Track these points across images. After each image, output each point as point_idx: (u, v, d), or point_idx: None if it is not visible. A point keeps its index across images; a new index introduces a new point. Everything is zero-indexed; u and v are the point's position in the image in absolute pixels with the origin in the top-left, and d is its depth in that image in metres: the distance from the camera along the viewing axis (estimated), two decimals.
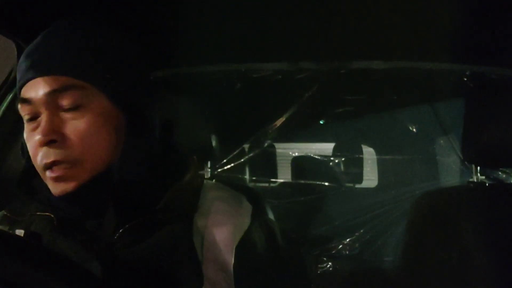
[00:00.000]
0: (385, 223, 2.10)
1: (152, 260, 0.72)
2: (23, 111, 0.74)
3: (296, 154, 2.53)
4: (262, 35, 1.27)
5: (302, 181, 2.34)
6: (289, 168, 2.52)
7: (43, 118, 0.72)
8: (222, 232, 0.76)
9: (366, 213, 2.14)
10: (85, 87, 0.73)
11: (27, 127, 0.75)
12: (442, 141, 2.15)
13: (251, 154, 2.28)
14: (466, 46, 1.29)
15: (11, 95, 1.18)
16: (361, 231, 2.14)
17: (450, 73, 1.57)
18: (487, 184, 1.40)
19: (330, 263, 2.11)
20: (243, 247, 0.77)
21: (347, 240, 2.16)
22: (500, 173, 1.59)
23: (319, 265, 2.12)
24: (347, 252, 2.16)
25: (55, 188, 0.73)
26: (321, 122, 2.33)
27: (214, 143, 1.41)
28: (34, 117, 0.74)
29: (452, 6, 1.08)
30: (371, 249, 2.13)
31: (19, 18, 1.01)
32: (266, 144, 2.29)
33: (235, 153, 2.17)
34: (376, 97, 2.07)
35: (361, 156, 2.42)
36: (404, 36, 1.24)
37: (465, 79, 1.54)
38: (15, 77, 1.17)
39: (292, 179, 2.47)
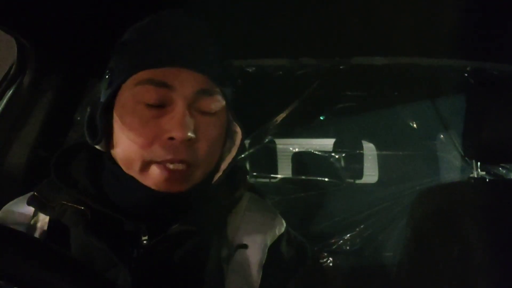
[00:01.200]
0: (385, 218, 2.10)
1: (180, 272, 0.70)
2: (150, 92, 0.68)
3: (297, 149, 2.53)
4: (262, 31, 1.27)
5: (303, 177, 2.34)
6: (290, 163, 2.52)
7: (183, 113, 0.68)
8: (251, 244, 0.75)
9: (367, 209, 2.14)
10: (220, 94, 0.73)
11: (142, 111, 0.69)
12: (442, 137, 2.15)
13: (252, 150, 2.28)
14: (467, 42, 1.28)
15: (11, 91, 1.18)
16: (362, 226, 2.14)
17: (451, 69, 1.57)
18: (487, 180, 1.40)
19: (330, 259, 2.12)
20: (274, 257, 0.76)
21: (348, 235, 2.16)
22: (500, 168, 1.59)
23: (320, 261, 2.12)
24: (348, 248, 2.16)
25: (163, 186, 0.69)
26: (321, 118, 2.33)
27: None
28: (159, 104, 0.69)
29: (453, 2, 1.08)
30: (372, 245, 2.13)
31: (20, 14, 1.01)
32: (266, 140, 2.29)
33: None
34: (377, 93, 2.07)
35: (361, 152, 2.42)
36: (405, 32, 1.24)
37: (466, 75, 1.54)
38: (15, 73, 1.18)
39: (292, 175, 2.47)
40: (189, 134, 0.67)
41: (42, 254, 0.47)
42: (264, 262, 0.74)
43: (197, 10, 0.79)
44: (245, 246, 0.74)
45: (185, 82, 0.69)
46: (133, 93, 0.69)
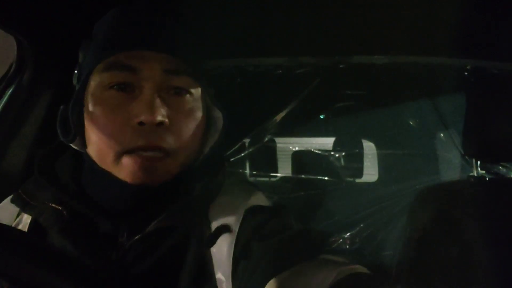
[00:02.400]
0: (385, 217, 2.10)
1: (160, 271, 0.66)
2: (115, 77, 0.66)
3: (297, 148, 2.52)
4: (262, 29, 1.27)
5: (303, 176, 2.34)
6: (290, 162, 2.52)
7: (152, 96, 0.65)
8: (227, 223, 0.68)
9: (367, 208, 2.14)
10: (192, 75, 0.70)
11: (110, 97, 0.66)
12: (442, 136, 2.15)
13: (251, 149, 2.28)
14: (467, 40, 1.28)
15: (10, 90, 1.18)
16: (362, 225, 2.14)
17: (451, 67, 1.57)
18: (487, 179, 1.40)
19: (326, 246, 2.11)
20: (242, 230, 0.68)
21: (348, 234, 2.16)
22: (500, 167, 1.59)
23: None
24: (348, 247, 2.16)
25: (137, 177, 0.65)
26: (321, 116, 2.32)
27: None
28: (128, 89, 0.66)
29: (453, 0, 1.07)
30: (372, 244, 2.13)
31: (19, 13, 1.01)
32: (266, 139, 2.29)
33: (235, 147, 2.17)
34: (377, 92, 2.07)
35: (361, 150, 2.42)
36: (404, 30, 1.24)
37: (466, 73, 1.54)
38: (15, 72, 1.18)
39: (292, 173, 2.47)
40: (159, 117, 0.64)
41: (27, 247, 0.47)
42: (234, 240, 0.66)
43: (197, 9, 0.78)
44: (216, 236, 0.67)
45: (150, 63, 0.66)
46: (99, 80, 0.67)
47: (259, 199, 0.74)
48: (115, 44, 0.67)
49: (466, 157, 1.62)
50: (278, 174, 2.47)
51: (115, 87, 0.66)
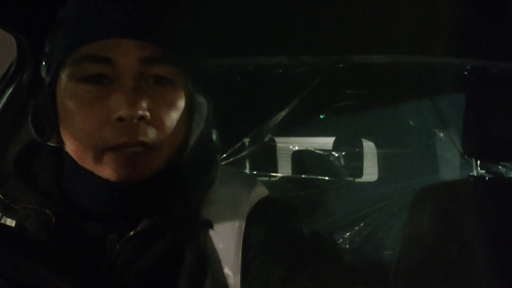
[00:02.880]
0: (385, 217, 2.10)
1: (155, 271, 0.62)
2: (89, 69, 0.60)
3: (297, 148, 2.52)
4: (261, 29, 1.27)
5: (303, 175, 2.34)
6: (290, 162, 2.52)
7: (131, 88, 0.59)
8: (226, 224, 0.65)
9: (366, 207, 2.15)
10: (172, 62, 0.63)
11: (84, 91, 0.60)
12: (442, 135, 2.15)
13: (251, 149, 2.28)
14: (467, 40, 1.28)
15: (11, 89, 1.18)
16: (361, 225, 2.14)
17: (451, 67, 1.57)
18: (487, 178, 1.40)
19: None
20: (252, 223, 0.65)
21: (347, 234, 2.16)
22: (500, 167, 1.59)
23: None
24: (347, 246, 2.16)
25: (122, 174, 0.60)
26: (321, 116, 2.33)
27: (214, 138, 1.41)
28: (104, 82, 0.60)
29: (452, 0, 1.08)
30: (371, 243, 2.13)
31: (19, 12, 1.01)
32: (266, 139, 2.29)
33: (235, 147, 2.17)
34: (376, 91, 2.07)
35: (361, 150, 2.42)
36: (404, 30, 1.24)
37: (466, 73, 1.54)
38: (15, 72, 1.18)
39: (292, 173, 2.47)
40: (140, 111, 0.58)
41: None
42: (243, 235, 0.64)
43: (197, 8, 0.77)
44: (214, 227, 0.64)
45: (126, 53, 0.60)
46: (71, 73, 0.61)
47: (261, 191, 0.71)
48: (86, 33, 0.61)
49: (466, 156, 1.62)
50: (278, 174, 2.47)
51: (89, 80, 0.60)
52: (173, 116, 0.63)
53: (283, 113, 2.13)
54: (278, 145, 2.48)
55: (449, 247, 1.22)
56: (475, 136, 1.29)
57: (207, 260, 0.63)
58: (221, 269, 0.62)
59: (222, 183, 0.69)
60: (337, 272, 0.63)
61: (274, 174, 2.46)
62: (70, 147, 0.63)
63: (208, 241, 0.64)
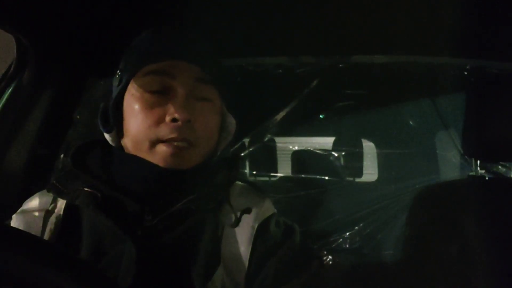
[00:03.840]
0: (385, 217, 2.10)
1: (179, 247, 0.78)
2: (154, 81, 0.81)
3: (296, 148, 2.53)
4: (262, 29, 1.27)
5: (303, 175, 2.34)
6: (290, 162, 2.52)
7: (184, 98, 0.80)
8: (241, 224, 0.82)
9: (366, 207, 2.15)
10: (214, 84, 0.85)
11: (148, 97, 0.81)
12: (442, 135, 2.15)
13: (252, 149, 2.28)
14: (467, 40, 1.28)
15: (10, 89, 1.18)
16: (361, 225, 2.14)
17: (451, 67, 1.57)
18: (487, 178, 1.40)
19: (330, 257, 2.12)
20: (262, 235, 0.83)
21: (347, 234, 2.16)
22: (500, 167, 1.59)
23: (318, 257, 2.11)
24: (347, 246, 2.16)
25: (169, 162, 0.79)
26: (321, 116, 2.33)
27: None
28: (161, 91, 0.81)
29: (453, 0, 1.08)
30: (371, 243, 2.13)
31: (19, 13, 1.01)
32: (266, 139, 2.29)
33: (235, 147, 2.17)
34: (376, 91, 2.07)
35: (361, 150, 2.42)
36: (404, 30, 1.24)
37: (466, 73, 1.54)
38: (14, 72, 1.18)
39: (292, 173, 2.48)
40: (188, 116, 0.79)
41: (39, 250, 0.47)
42: (253, 239, 0.81)
43: (198, 8, 0.81)
44: (235, 225, 0.81)
45: (183, 71, 0.81)
46: (140, 83, 0.82)
47: (270, 208, 0.89)
48: (156, 55, 0.81)
49: (466, 156, 1.62)
50: (278, 174, 2.48)
51: (154, 89, 0.81)
52: (210, 125, 0.85)
53: (283, 113, 2.13)
54: (278, 145, 2.48)
55: (449, 247, 1.22)
56: (475, 136, 1.29)
57: (221, 251, 0.80)
58: (231, 263, 0.80)
59: (241, 194, 0.88)
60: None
61: (274, 174, 2.46)
62: (129, 139, 0.83)
63: (225, 237, 0.81)
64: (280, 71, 1.63)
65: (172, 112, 0.79)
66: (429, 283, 1.22)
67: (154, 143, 0.80)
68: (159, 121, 0.80)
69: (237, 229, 0.82)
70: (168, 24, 0.89)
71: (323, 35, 1.32)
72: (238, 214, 0.82)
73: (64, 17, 1.07)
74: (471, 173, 1.49)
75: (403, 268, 1.35)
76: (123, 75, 0.84)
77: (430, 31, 1.24)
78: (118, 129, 0.86)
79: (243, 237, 0.82)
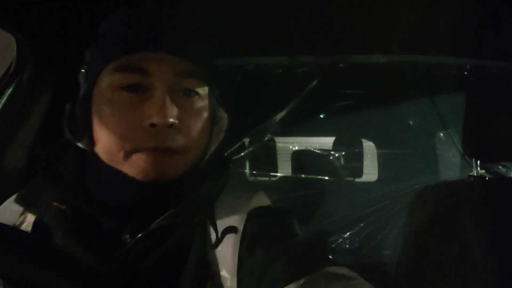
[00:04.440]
0: (385, 217, 2.10)
1: (161, 269, 0.66)
2: (127, 78, 0.66)
3: (296, 148, 2.53)
4: (261, 29, 1.27)
5: (302, 175, 2.34)
6: (289, 162, 2.52)
7: (163, 98, 0.65)
8: (225, 244, 0.67)
9: (366, 207, 2.14)
10: (201, 76, 0.70)
11: (121, 97, 0.66)
12: (442, 135, 2.15)
13: (251, 148, 2.28)
14: (467, 39, 1.28)
15: (10, 89, 1.18)
16: (361, 225, 2.14)
17: (451, 67, 1.57)
18: (487, 178, 1.40)
19: (330, 257, 2.11)
20: (247, 232, 0.68)
21: (347, 234, 2.16)
22: (500, 167, 1.59)
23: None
24: (347, 246, 2.16)
25: (149, 174, 0.65)
26: (321, 116, 2.33)
27: None
28: (139, 90, 0.66)
29: (452, 0, 1.08)
30: (371, 243, 2.13)
31: (19, 13, 1.01)
32: (266, 138, 2.29)
33: (235, 147, 2.17)
34: (376, 91, 2.07)
35: (361, 150, 2.42)
36: (404, 29, 1.24)
37: (466, 73, 1.54)
38: (14, 71, 1.18)
39: (292, 173, 2.47)
40: (171, 119, 0.64)
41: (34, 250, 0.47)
42: (240, 239, 0.67)
43: (197, 8, 0.78)
44: (215, 246, 0.67)
45: (163, 66, 0.66)
46: (110, 81, 0.66)
47: (262, 200, 0.75)
48: (128, 45, 0.66)
49: (466, 156, 1.62)
50: (278, 174, 2.47)
51: (125, 88, 0.66)
52: (198, 126, 0.69)
53: (283, 113, 2.13)
54: (278, 145, 2.48)
55: (449, 247, 1.22)
56: (475, 136, 1.29)
57: (208, 262, 0.66)
58: (219, 272, 0.65)
59: (226, 191, 0.74)
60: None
61: (273, 174, 2.46)
62: (100, 147, 0.68)
63: (209, 244, 0.68)
64: (280, 71, 1.63)
65: (149, 115, 0.64)
66: (429, 283, 1.22)
67: (129, 153, 0.65)
68: (135, 127, 0.65)
69: (222, 248, 0.67)
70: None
71: (323, 35, 1.32)
72: (220, 234, 0.67)
73: (64, 17, 1.07)
74: (471, 173, 1.49)
75: (403, 268, 1.35)
76: (90, 70, 0.70)
77: (430, 31, 1.24)
78: (90, 135, 0.70)
79: (228, 244, 0.67)
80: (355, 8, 1.15)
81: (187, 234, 0.68)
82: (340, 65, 1.57)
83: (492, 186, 1.36)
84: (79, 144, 0.71)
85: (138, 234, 0.65)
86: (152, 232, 0.65)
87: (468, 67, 1.51)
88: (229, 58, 1.48)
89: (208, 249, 0.67)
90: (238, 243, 0.66)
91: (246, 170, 2.40)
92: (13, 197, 0.74)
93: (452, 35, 1.20)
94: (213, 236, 0.68)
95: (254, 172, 2.41)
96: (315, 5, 1.15)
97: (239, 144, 2.21)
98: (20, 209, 0.72)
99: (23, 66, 1.17)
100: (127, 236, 0.66)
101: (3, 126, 1.16)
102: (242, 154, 2.25)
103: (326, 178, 2.28)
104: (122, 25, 0.69)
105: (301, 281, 0.57)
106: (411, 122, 2.19)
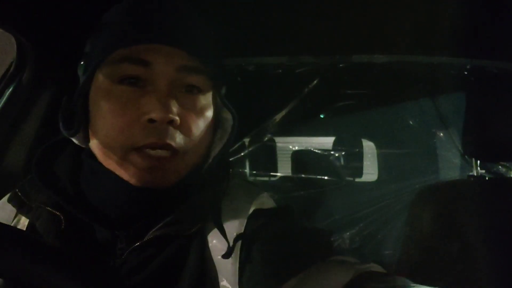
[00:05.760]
0: (385, 217, 2.10)
1: (158, 281, 0.62)
2: (127, 70, 0.62)
3: (296, 148, 2.52)
4: (262, 28, 1.27)
5: (303, 175, 2.34)
6: (289, 162, 2.52)
7: (164, 92, 0.62)
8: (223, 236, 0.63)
9: (367, 207, 2.14)
10: (206, 73, 0.66)
11: (119, 91, 0.62)
12: (442, 135, 2.15)
13: (251, 148, 2.28)
14: (467, 39, 1.28)
15: (10, 89, 1.18)
16: (361, 225, 2.14)
17: (451, 67, 1.57)
18: (487, 178, 1.40)
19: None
20: (248, 232, 0.64)
21: (347, 233, 2.16)
22: (500, 167, 1.59)
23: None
24: (348, 246, 2.16)
25: (144, 178, 0.61)
26: (321, 116, 2.32)
27: None
28: (139, 84, 0.63)
29: (453, 0, 1.08)
30: (372, 243, 2.13)
31: (19, 12, 1.01)
32: (266, 138, 2.29)
33: (235, 147, 2.17)
34: (377, 91, 2.07)
35: (361, 150, 2.42)
36: (404, 30, 1.24)
37: (466, 73, 1.54)
38: (15, 71, 1.18)
39: (292, 173, 2.47)
40: (171, 115, 0.60)
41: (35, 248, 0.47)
42: (240, 245, 0.63)
43: (197, 7, 0.78)
44: (228, 255, 0.62)
45: (165, 59, 0.63)
46: (108, 73, 0.63)
47: (263, 201, 0.71)
48: (130, 36, 0.63)
49: (466, 156, 1.62)
50: (278, 174, 2.47)
51: (126, 81, 0.63)
52: (200, 125, 0.65)
53: (283, 113, 2.12)
54: (278, 145, 2.48)
55: (450, 247, 1.22)
56: (475, 136, 1.29)
57: (207, 273, 0.62)
58: (219, 283, 0.62)
59: (226, 195, 0.69)
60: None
61: (274, 174, 2.46)
62: (96, 144, 0.65)
63: (208, 254, 0.63)
64: (280, 70, 1.63)
65: (148, 110, 0.60)
66: (429, 282, 1.22)
67: (126, 151, 0.61)
68: (133, 122, 0.61)
69: (221, 240, 0.63)
70: None
71: (323, 35, 1.32)
72: (231, 242, 0.62)
73: (64, 17, 1.07)
74: (471, 173, 1.49)
75: (403, 268, 1.35)
76: (89, 62, 0.66)
77: (430, 31, 1.24)
78: (86, 131, 0.67)
79: (228, 264, 0.62)
80: (355, 8, 1.15)
81: (185, 244, 0.63)
82: (341, 65, 1.57)
83: (492, 186, 1.36)
84: (74, 140, 0.68)
85: (134, 244, 0.62)
86: (148, 242, 0.61)
87: (468, 67, 1.51)
88: (229, 58, 1.48)
89: (207, 259, 0.63)
90: (238, 250, 0.63)
91: (246, 170, 2.40)
92: (7, 196, 0.71)
93: (452, 35, 1.20)
94: (220, 245, 0.63)
95: (254, 172, 2.41)
96: (315, 5, 1.15)
97: (239, 144, 2.21)
98: (14, 209, 0.69)
99: (23, 66, 1.17)
100: (123, 244, 0.62)
101: (3, 126, 1.16)
102: (242, 154, 2.25)
103: (326, 178, 2.28)
104: (125, 15, 0.66)
105: (305, 272, 0.55)
106: (411, 122, 2.19)
